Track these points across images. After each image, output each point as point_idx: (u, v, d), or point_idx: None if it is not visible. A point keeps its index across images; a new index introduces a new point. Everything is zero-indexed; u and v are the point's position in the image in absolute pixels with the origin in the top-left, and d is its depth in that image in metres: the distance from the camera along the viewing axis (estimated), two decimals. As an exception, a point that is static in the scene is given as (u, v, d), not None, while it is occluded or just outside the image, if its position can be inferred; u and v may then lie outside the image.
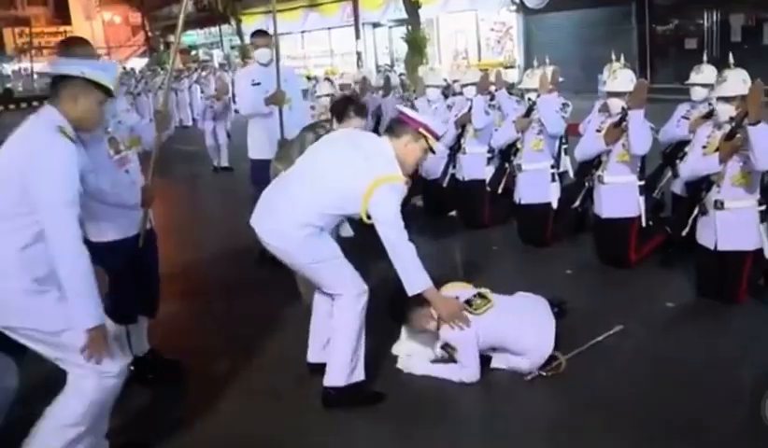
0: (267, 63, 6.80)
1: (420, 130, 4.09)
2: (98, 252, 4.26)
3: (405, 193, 4.03)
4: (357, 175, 3.96)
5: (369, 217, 3.95)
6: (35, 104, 32.48)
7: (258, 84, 6.75)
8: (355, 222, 4.70)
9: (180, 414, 4.24)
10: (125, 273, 4.39)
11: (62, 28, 47.90)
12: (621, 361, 4.55)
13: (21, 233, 3.14)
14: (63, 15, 49.46)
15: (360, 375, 4.18)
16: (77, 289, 3.15)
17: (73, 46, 4.25)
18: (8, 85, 32.21)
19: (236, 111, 7.17)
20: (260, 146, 6.87)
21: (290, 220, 3.98)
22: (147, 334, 4.77)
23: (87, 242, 4.38)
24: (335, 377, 4.13)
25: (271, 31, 6.74)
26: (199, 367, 4.81)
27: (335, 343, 4.16)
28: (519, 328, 4.38)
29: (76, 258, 3.15)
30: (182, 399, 4.47)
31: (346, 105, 5.24)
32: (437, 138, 4.19)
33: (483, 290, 4.56)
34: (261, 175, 6.98)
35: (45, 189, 3.08)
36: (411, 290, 4.04)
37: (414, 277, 4.02)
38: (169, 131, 4.62)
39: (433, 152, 4.32)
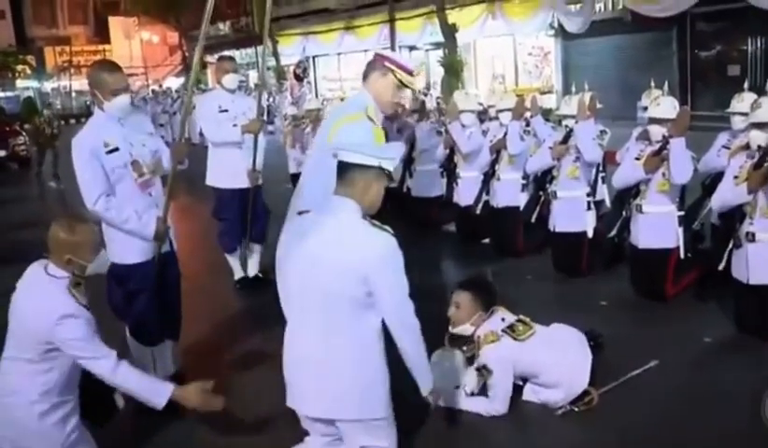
0: (234, 90, 6.74)
1: (386, 64, 4.01)
2: (120, 274, 4.31)
3: (381, 132, 3.92)
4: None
5: None
6: (71, 121, 33.32)
7: (225, 111, 6.60)
8: None
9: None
10: (148, 295, 4.40)
11: (101, 47, 49.06)
12: (656, 397, 4.40)
13: None
14: (102, 34, 50.51)
15: None
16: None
17: (103, 71, 4.29)
18: (48, 102, 33.19)
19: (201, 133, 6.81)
20: (221, 174, 6.75)
21: None
22: (173, 357, 4.78)
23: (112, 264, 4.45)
24: None
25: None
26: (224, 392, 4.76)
27: None
28: (557, 359, 4.30)
29: None
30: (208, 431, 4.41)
31: None
32: (409, 72, 4.05)
33: (523, 317, 4.49)
34: (221, 205, 6.87)
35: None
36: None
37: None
38: (183, 165, 4.58)
39: (408, 87, 4.11)
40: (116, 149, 4.21)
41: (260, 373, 5.01)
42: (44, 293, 3.41)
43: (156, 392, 3.46)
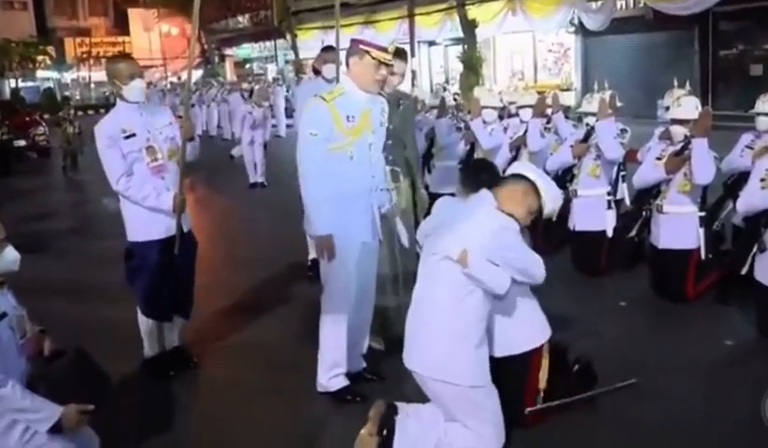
0: (332, 80, 6.82)
1: (361, 46, 4.18)
2: (129, 249, 4.74)
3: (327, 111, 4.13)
4: None
5: None
6: (90, 112, 33.52)
7: None
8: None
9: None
10: (150, 273, 4.70)
11: (120, 39, 49.26)
12: (674, 398, 4.35)
13: None
14: (122, 26, 50.83)
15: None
16: None
17: (118, 62, 4.76)
18: (67, 93, 33.33)
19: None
20: None
21: None
22: (179, 332, 5.09)
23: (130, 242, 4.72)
24: None
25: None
26: (228, 375, 4.90)
27: None
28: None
29: None
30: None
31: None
32: (383, 49, 4.19)
33: None
34: None
35: None
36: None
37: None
38: (195, 142, 4.93)
39: (385, 63, 4.24)
40: (133, 135, 4.55)
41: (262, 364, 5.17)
42: None
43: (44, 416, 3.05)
